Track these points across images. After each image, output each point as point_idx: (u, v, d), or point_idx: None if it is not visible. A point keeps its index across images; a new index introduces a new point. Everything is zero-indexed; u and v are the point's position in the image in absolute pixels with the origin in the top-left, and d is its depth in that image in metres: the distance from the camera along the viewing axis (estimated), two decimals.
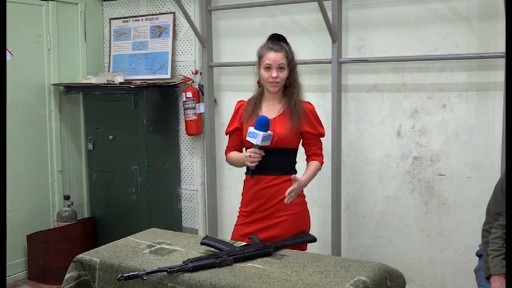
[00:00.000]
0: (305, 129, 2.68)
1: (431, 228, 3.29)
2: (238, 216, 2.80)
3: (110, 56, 4.40)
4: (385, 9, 3.31)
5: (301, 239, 2.62)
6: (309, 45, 3.58)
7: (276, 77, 2.61)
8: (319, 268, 2.18)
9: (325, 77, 3.47)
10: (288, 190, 2.56)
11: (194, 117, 3.95)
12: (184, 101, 3.96)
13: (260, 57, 2.67)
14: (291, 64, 2.68)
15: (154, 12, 4.21)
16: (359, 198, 3.51)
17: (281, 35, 2.73)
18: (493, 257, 2.25)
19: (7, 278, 3.84)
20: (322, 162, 2.76)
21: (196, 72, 4.02)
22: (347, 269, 2.17)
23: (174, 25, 4.11)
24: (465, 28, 3.08)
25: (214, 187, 3.99)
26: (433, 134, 3.24)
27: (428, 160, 3.26)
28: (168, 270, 2.12)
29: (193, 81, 4.01)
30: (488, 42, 3.02)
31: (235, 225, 2.79)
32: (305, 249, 2.69)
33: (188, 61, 4.08)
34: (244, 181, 2.77)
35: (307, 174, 2.69)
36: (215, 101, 3.98)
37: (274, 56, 2.62)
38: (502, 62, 2.87)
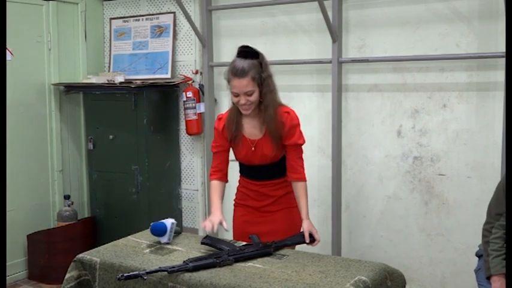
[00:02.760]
0: (285, 142, 2.60)
1: (431, 228, 3.29)
2: (234, 210, 2.81)
3: (110, 55, 4.40)
4: (386, 9, 3.31)
5: (299, 238, 2.61)
6: (309, 45, 3.59)
7: (244, 103, 2.49)
8: (319, 268, 2.18)
9: (326, 76, 3.47)
10: (307, 233, 2.54)
11: (194, 117, 3.95)
12: (184, 101, 3.96)
13: (227, 80, 2.52)
14: (262, 79, 2.49)
15: (154, 12, 4.21)
16: (359, 198, 3.51)
17: (250, 49, 2.52)
18: (494, 257, 2.25)
19: (7, 277, 3.84)
20: (305, 180, 2.65)
21: (196, 72, 4.02)
22: (347, 268, 2.17)
23: (175, 25, 4.11)
24: (465, 28, 3.08)
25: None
26: (434, 134, 3.24)
27: (429, 160, 3.26)
28: (169, 270, 2.12)
29: (193, 81, 4.01)
30: (488, 42, 3.02)
31: (234, 218, 2.80)
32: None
33: (188, 61, 4.08)
34: (239, 180, 2.79)
35: (304, 205, 2.61)
36: (215, 100, 3.98)
37: (239, 84, 2.46)
38: (502, 61, 2.87)
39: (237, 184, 2.79)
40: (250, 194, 2.71)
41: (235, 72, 2.47)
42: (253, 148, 2.60)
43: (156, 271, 2.13)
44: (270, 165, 2.63)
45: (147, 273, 2.10)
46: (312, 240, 2.57)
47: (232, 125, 2.60)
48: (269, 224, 2.67)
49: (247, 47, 2.53)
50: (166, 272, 2.13)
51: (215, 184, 2.68)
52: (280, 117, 2.55)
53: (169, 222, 2.53)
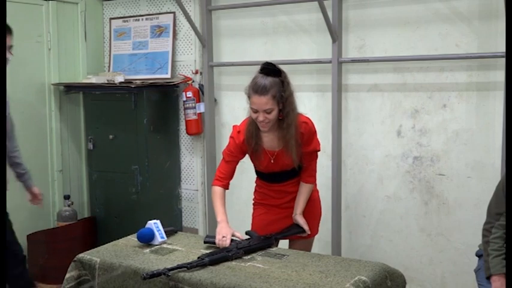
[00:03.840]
0: (303, 150, 2.67)
1: (431, 228, 3.29)
2: (254, 208, 2.87)
3: (110, 55, 4.40)
4: (386, 9, 3.31)
5: (296, 229, 2.70)
6: (309, 45, 3.59)
7: (262, 121, 2.50)
8: (319, 268, 2.19)
9: (326, 76, 3.47)
10: (306, 225, 2.70)
11: (194, 117, 3.95)
12: (184, 101, 3.96)
13: (248, 96, 2.54)
14: (283, 98, 2.51)
15: (154, 12, 4.21)
16: (359, 198, 3.51)
17: (273, 67, 2.54)
18: (494, 256, 2.25)
19: None
20: (314, 183, 2.80)
21: (196, 72, 4.02)
22: (347, 268, 2.17)
23: (174, 25, 4.10)
24: (465, 28, 3.08)
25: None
26: (433, 134, 3.24)
27: (429, 160, 3.26)
28: (188, 266, 2.17)
29: (193, 81, 4.01)
30: (488, 42, 3.02)
31: (254, 217, 2.85)
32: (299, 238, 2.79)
33: (188, 61, 4.08)
34: (256, 180, 2.85)
35: (302, 203, 2.73)
36: (215, 100, 3.98)
37: (258, 101, 2.47)
38: (502, 61, 2.87)
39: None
40: (270, 193, 2.78)
41: (256, 89, 2.47)
42: (272, 160, 2.66)
43: (176, 268, 2.15)
44: (291, 170, 2.70)
45: (168, 270, 2.13)
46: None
47: (251, 139, 2.62)
48: (290, 219, 2.74)
49: (270, 64, 2.55)
50: (186, 268, 2.16)
51: (220, 191, 2.69)
52: (299, 129, 2.59)
53: (151, 224, 2.54)
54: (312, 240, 2.89)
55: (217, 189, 2.69)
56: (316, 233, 2.89)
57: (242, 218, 3.28)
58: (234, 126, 2.75)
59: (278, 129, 2.59)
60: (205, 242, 2.46)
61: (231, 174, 2.72)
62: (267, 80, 2.48)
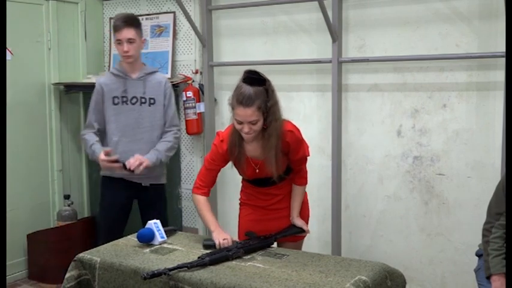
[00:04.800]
0: (292, 158, 2.60)
1: (431, 228, 3.29)
2: (240, 209, 2.83)
3: (110, 55, 4.40)
4: (386, 9, 3.31)
5: (295, 229, 2.69)
6: (309, 45, 3.59)
7: (247, 132, 2.41)
8: (319, 267, 2.19)
9: (326, 76, 3.47)
10: (305, 226, 2.70)
11: (194, 117, 3.94)
12: (184, 101, 3.95)
13: (231, 107, 2.43)
14: (268, 108, 2.40)
15: (154, 12, 4.21)
16: (359, 198, 3.51)
17: (257, 75, 2.41)
18: (494, 256, 2.25)
19: (7, 277, 3.83)
20: (306, 184, 2.73)
21: (196, 72, 4.02)
22: (347, 268, 2.17)
23: (175, 24, 4.10)
24: (465, 28, 3.08)
25: (214, 187, 3.98)
26: (433, 134, 3.24)
27: (429, 160, 3.26)
28: (189, 265, 2.17)
29: (193, 81, 4.01)
30: (488, 42, 3.02)
31: (241, 217, 2.82)
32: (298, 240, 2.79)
33: (188, 60, 4.08)
34: (242, 182, 2.81)
35: (297, 206, 2.71)
36: (215, 100, 3.98)
37: (243, 113, 2.36)
38: (502, 61, 2.86)
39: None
40: (256, 194, 2.73)
41: (240, 100, 2.35)
42: (257, 170, 2.59)
43: (176, 267, 2.15)
44: (276, 176, 2.62)
45: (169, 270, 2.13)
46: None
47: (235, 148, 2.54)
48: (276, 221, 2.70)
49: (254, 72, 2.42)
50: (186, 268, 2.16)
51: (203, 200, 2.63)
52: (284, 138, 2.50)
53: (151, 224, 2.54)
54: (302, 241, 2.84)
55: (200, 198, 2.62)
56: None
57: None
58: (217, 132, 2.66)
59: (262, 139, 2.50)
60: (204, 246, 2.46)
61: (211, 182, 2.66)
62: (251, 90, 2.35)
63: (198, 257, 2.25)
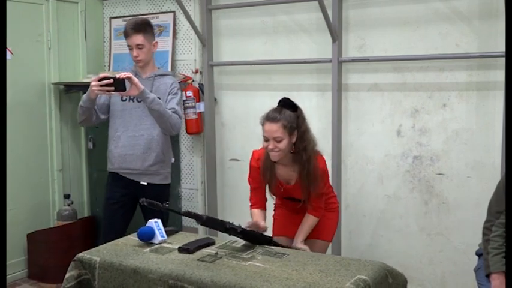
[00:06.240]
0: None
1: (431, 227, 3.29)
2: (274, 209, 2.95)
3: (110, 54, 4.40)
4: (386, 9, 3.31)
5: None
6: (309, 44, 3.59)
7: (272, 149, 2.55)
8: (319, 267, 2.18)
9: (326, 76, 3.47)
10: (303, 248, 2.69)
11: (194, 117, 3.94)
12: (184, 100, 3.95)
13: (261, 124, 2.60)
14: (295, 131, 2.57)
15: (154, 11, 4.21)
16: (359, 197, 3.51)
17: (288, 101, 2.60)
18: (494, 255, 2.25)
19: (7, 277, 3.83)
20: (318, 218, 2.77)
21: (196, 71, 4.02)
22: (347, 267, 2.17)
23: (174, 24, 4.10)
24: (465, 27, 3.09)
25: (214, 186, 3.99)
26: (433, 134, 3.24)
27: (429, 159, 3.26)
28: (182, 212, 2.40)
29: (193, 80, 4.01)
30: (488, 42, 3.02)
31: (275, 218, 2.93)
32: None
33: (188, 60, 4.08)
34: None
35: (305, 231, 2.74)
36: (215, 100, 3.98)
37: (269, 128, 2.53)
38: (502, 61, 2.87)
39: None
40: (286, 206, 2.88)
41: (267, 117, 2.55)
42: (282, 190, 2.73)
43: (174, 211, 2.48)
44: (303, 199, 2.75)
45: (167, 209, 2.39)
46: None
47: (267, 172, 2.69)
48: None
49: (287, 99, 2.60)
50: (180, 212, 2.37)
51: (257, 211, 2.78)
52: (319, 165, 2.65)
53: (152, 222, 2.53)
54: (328, 244, 2.93)
55: (255, 211, 2.78)
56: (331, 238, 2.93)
57: None
58: (253, 151, 2.78)
59: (294, 163, 2.64)
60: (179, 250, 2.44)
61: (261, 200, 2.80)
62: (280, 109, 2.56)
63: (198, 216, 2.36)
